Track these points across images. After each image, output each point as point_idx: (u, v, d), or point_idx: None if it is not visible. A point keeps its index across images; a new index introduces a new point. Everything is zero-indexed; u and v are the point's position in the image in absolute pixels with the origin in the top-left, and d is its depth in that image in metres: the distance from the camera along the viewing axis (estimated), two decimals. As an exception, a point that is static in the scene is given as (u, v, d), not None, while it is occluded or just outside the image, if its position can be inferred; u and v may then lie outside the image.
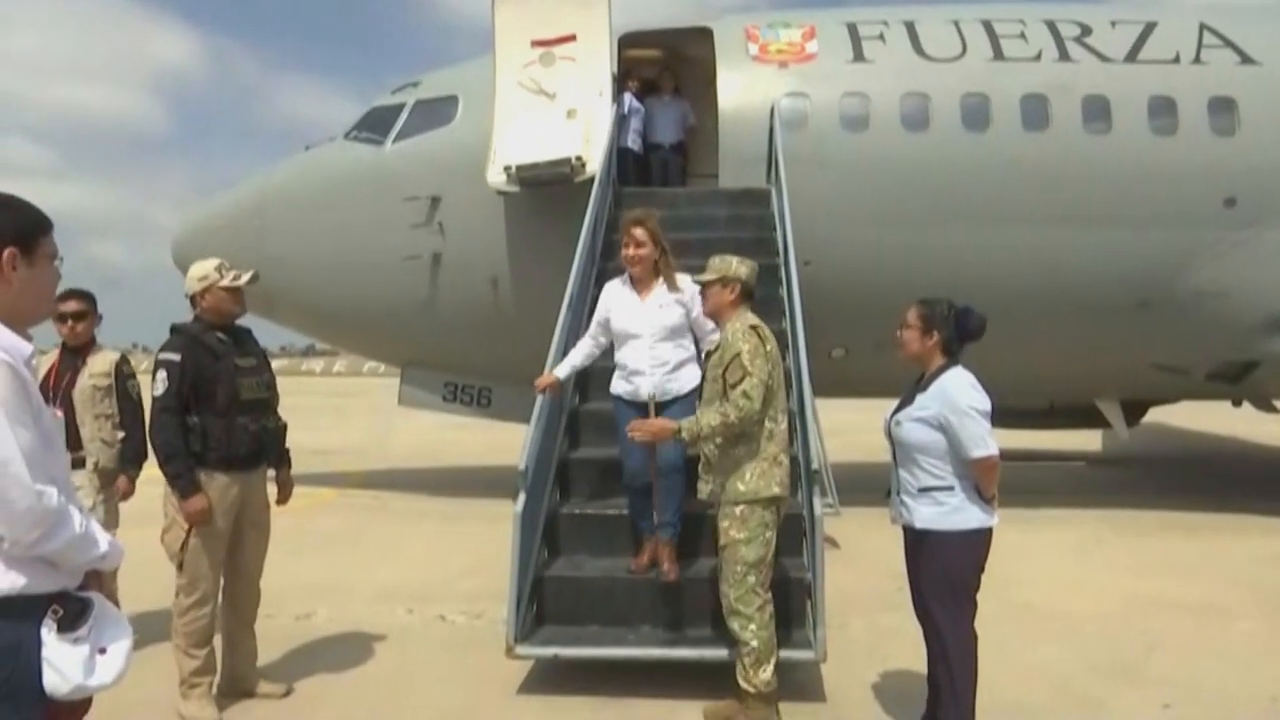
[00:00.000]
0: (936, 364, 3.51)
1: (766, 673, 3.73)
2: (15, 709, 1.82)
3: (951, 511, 3.37)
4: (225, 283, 4.07)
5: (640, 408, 4.41)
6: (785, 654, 3.93)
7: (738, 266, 4.00)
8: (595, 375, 5.97)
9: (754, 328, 3.85)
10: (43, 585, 1.87)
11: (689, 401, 4.28)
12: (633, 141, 9.40)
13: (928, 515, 3.41)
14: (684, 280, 4.49)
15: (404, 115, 9.57)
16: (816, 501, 4.22)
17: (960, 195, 8.73)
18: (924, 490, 3.42)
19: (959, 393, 3.38)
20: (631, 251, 4.51)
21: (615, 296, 4.63)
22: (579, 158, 8.17)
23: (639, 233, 4.49)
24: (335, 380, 50.00)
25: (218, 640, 4.13)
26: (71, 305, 4.68)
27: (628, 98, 9.31)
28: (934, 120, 8.81)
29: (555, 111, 8.58)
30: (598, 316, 4.69)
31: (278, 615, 5.34)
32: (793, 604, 4.30)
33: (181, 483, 3.87)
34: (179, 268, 9.79)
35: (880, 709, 4.10)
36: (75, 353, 4.72)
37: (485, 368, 9.59)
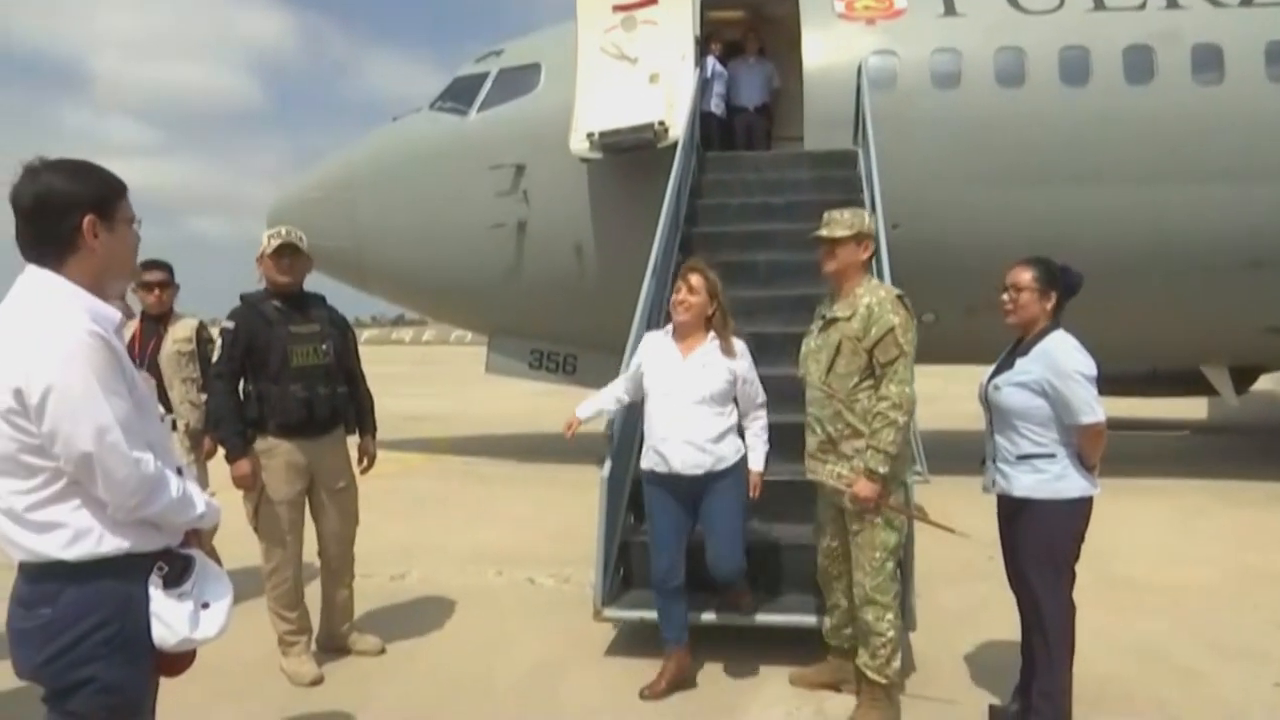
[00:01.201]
0: (1039, 326, 3.39)
1: (897, 662, 3.54)
2: (128, 660, 1.92)
3: (1052, 480, 3.25)
4: (265, 250, 4.08)
5: (673, 482, 3.82)
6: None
7: (870, 221, 3.62)
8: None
9: (900, 298, 3.49)
10: (148, 544, 1.95)
11: (736, 477, 3.82)
12: (716, 105, 9.27)
13: (1027, 483, 3.30)
14: (739, 346, 3.90)
15: (487, 84, 9.63)
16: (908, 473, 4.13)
17: (1058, 153, 8.38)
18: (1023, 457, 3.30)
19: (1064, 356, 3.24)
20: (681, 296, 3.87)
21: (653, 347, 4.01)
22: (661, 123, 8.10)
23: (694, 279, 3.88)
24: (424, 349, 51.11)
25: (316, 601, 4.28)
26: (156, 275, 4.86)
27: (711, 61, 9.17)
28: (1030, 75, 8.46)
29: (637, 76, 8.50)
30: (631, 368, 4.12)
31: (374, 575, 5.52)
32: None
33: (227, 447, 3.97)
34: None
35: (971, 678, 4.03)
36: (156, 320, 4.90)
37: (570, 335, 9.66)
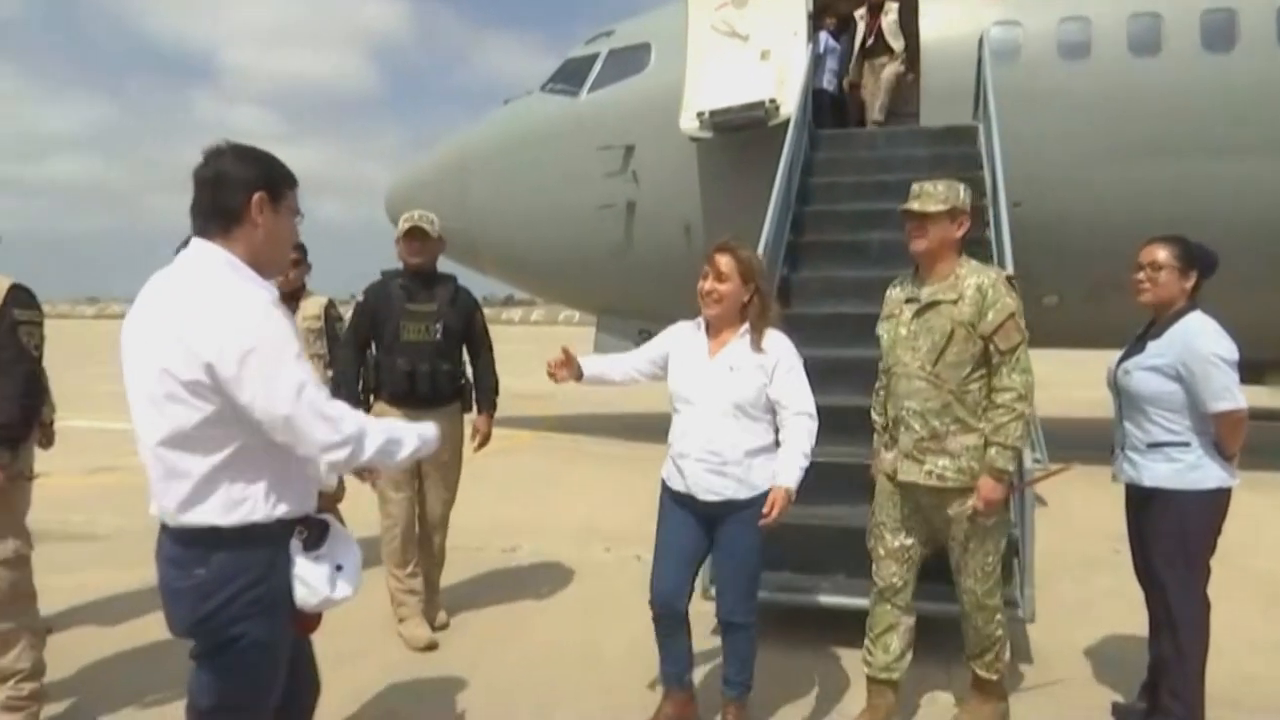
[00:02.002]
0: (1175, 308, 3.21)
1: (1006, 653, 3.35)
2: (273, 619, 2.02)
3: (1187, 469, 3.09)
4: (399, 232, 4.32)
5: (689, 501, 3.20)
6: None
7: (965, 195, 3.21)
8: (790, 321, 5.88)
9: (1010, 279, 3.19)
10: (298, 510, 2.05)
11: (755, 512, 3.04)
12: (828, 82, 9.10)
13: (1160, 473, 3.14)
14: (774, 339, 3.21)
15: (598, 65, 9.69)
16: (1026, 456, 3.98)
17: (1197, 125, 7.90)
18: (1155, 445, 3.15)
19: (1202, 339, 3.06)
20: (709, 285, 3.20)
21: (679, 340, 3.37)
22: (773, 100, 8.00)
23: (723, 261, 3.17)
24: (533, 328, 52.02)
25: None
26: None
27: (823, 36, 9.00)
28: (1167, 43, 7.99)
29: (748, 54, 8.42)
30: (655, 350, 3.45)
31: (486, 548, 5.67)
32: (998, 561, 4.11)
33: None
34: (392, 222, 10.44)
35: (1092, 673, 3.89)
36: (287, 298, 5.11)
37: (678, 314, 9.62)
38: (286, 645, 2.08)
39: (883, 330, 3.35)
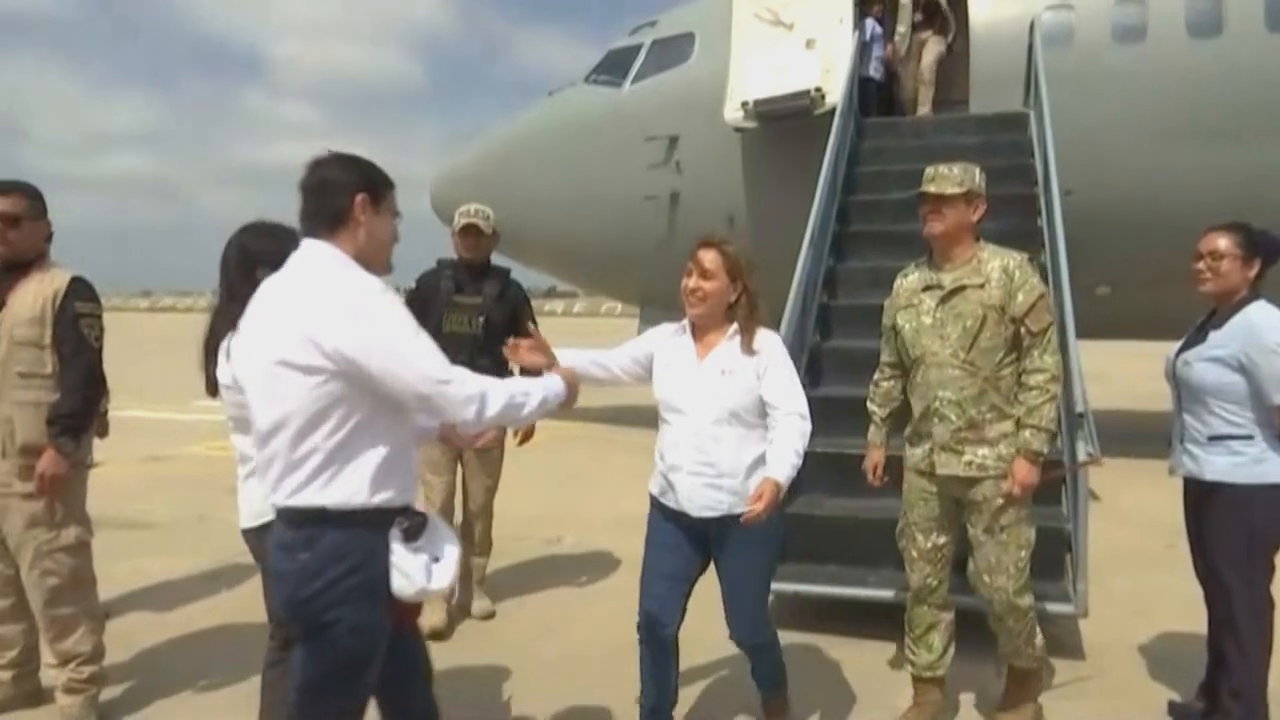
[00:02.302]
0: (1237, 297, 3.11)
1: (1040, 638, 3.27)
2: (372, 605, 2.07)
3: (1250, 463, 2.99)
4: (455, 227, 4.46)
5: (681, 518, 2.94)
6: (1042, 607, 3.70)
7: (981, 179, 3.15)
8: (836, 312, 5.85)
9: (1032, 260, 3.17)
10: (398, 500, 2.11)
11: (765, 523, 2.69)
12: (875, 70, 8.98)
13: (1221, 466, 3.05)
14: (765, 339, 2.91)
15: (641, 56, 9.68)
16: (1080, 449, 3.91)
17: (1259, 108, 7.68)
18: (1216, 438, 3.06)
19: (1267, 329, 2.97)
20: (693, 283, 2.92)
21: (663, 345, 3.06)
22: (819, 89, 7.92)
23: (708, 258, 2.89)
24: (575, 320, 52.21)
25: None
26: None
27: (870, 23, 8.88)
28: (1229, 22, 7.77)
29: (794, 42, 8.34)
30: (639, 348, 3.11)
31: (529, 538, 5.71)
32: (1049, 556, 4.03)
33: None
34: (436, 215, 10.54)
35: (1146, 671, 3.81)
36: None
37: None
38: (384, 632, 2.14)
39: (903, 320, 3.25)
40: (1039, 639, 3.30)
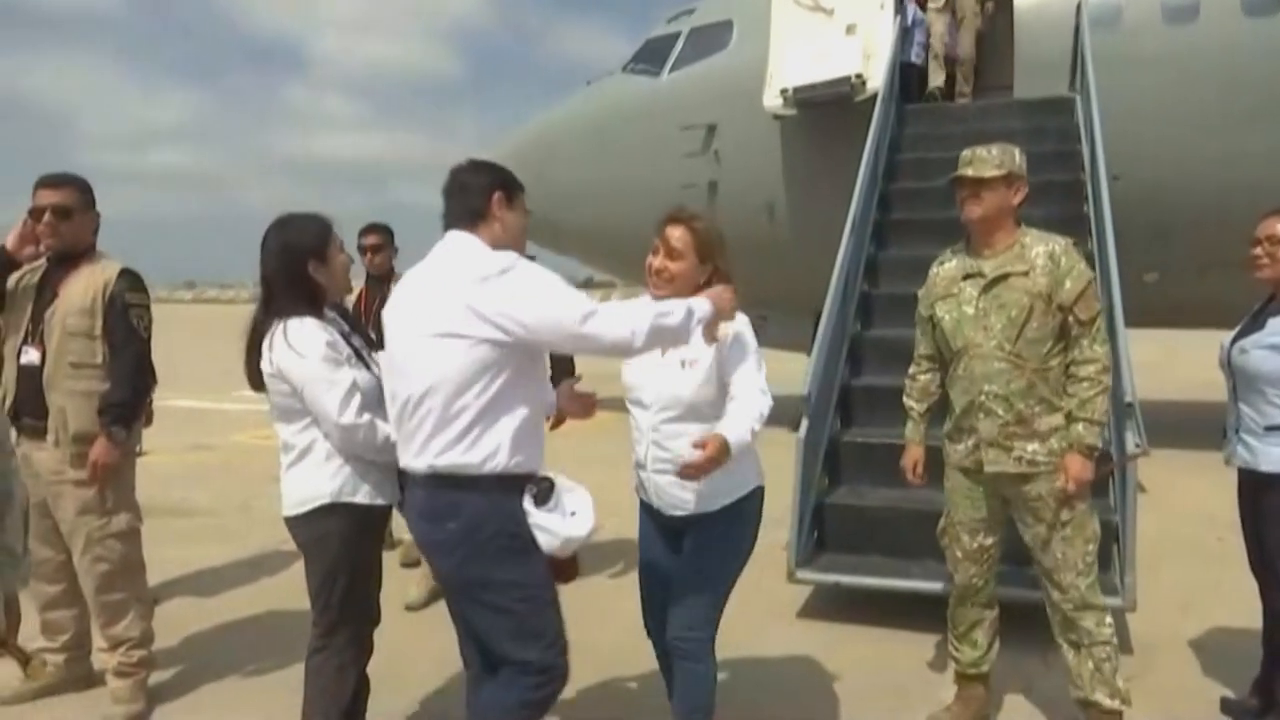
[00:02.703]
0: None
1: (1117, 660, 3.00)
2: (524, 560, 2.28)
3: (1309, 453, 2.91)
4: None
5: (658, 515, 2.76)
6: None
7: (1021, 160, 3.03)
8: (878, 301, 5.80)
9: (1075, 245, 3.03)
10: (530, 466, 2.31)
11: (732, 523, 2.62)
12: (917, 55, 8.84)
13: (1278, 456, 2.98)
14: (733, 325, 2.63)
15: (679, 44, 9.63)
16: (1128, 438, 3.84)
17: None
18: (1273, 428, 2.98)
19: None
20: (659, 262, 2.70)
21: None
22: (859, 75, 7.83)
23: (676, 235, 2.68)
24: (612, 311, 52.47)
25: None
26: (371, 239, 5.16)
27: (911, 8, 8.75)
28: (1288, 0, 7.54)
29: (833, 28, 8.25)
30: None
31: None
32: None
33: None
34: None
35: (1197, 667, 3.73)
36: (379, 281, 5.22)
37: (760, 296, 9.56)
38: (548, 585, 2.35)
39: (942, 311, 3.10)
40: (1117, 661, 3.00)
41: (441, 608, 4.40)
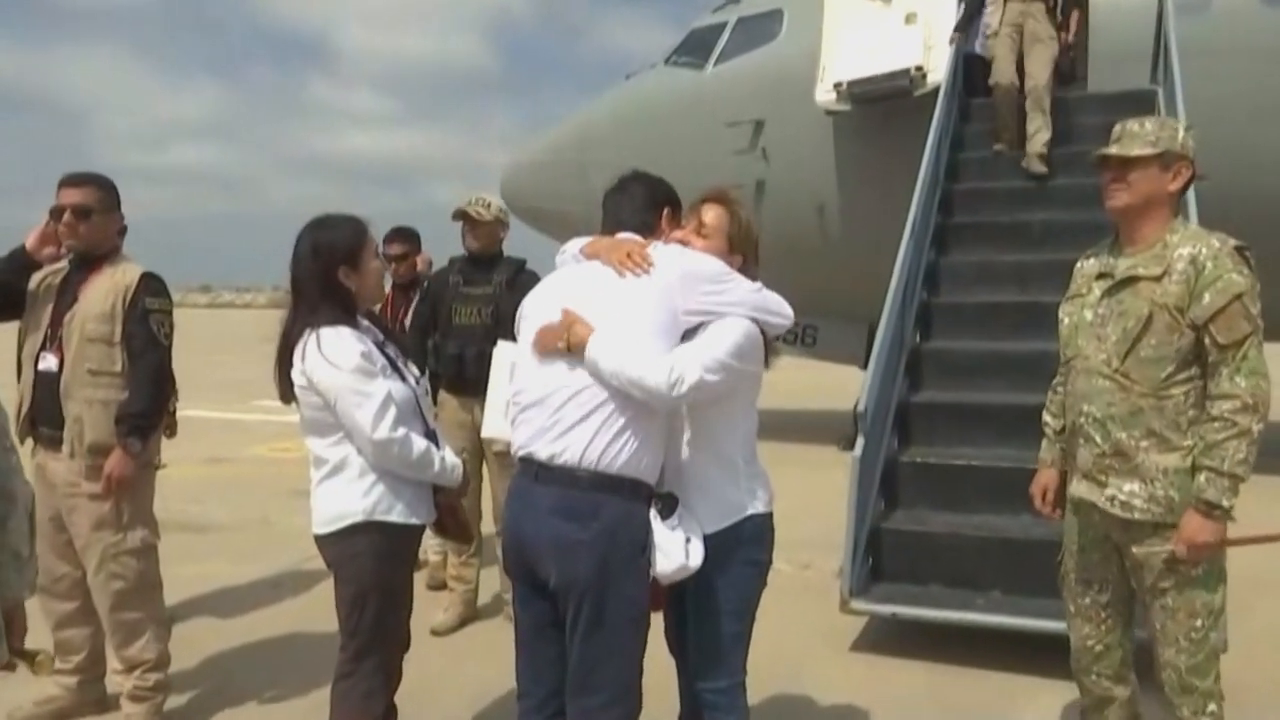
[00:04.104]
0: None
1: None
2: (643, 578, 2.33)
3: None
4: (455, 216, 4.55)
5: None
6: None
7: (1184, 136, 2.67)
8: (938, 310, 5.76)
9: (1241, 249, 2.60)
10: (654, 478, 2.38)
11: (733, 548, 2.47)
12: (982, 46, 8.78)
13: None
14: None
15: (725, 35, 9.65)
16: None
17: None
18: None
19: None
20: (683, 234, 2.63)
21: None
22: (919, 68, 7.79)
23: (712, 214, 2.62)
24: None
25: None
26: (395, 247, 5.26)
27: (976, -7, 8.69)
28: None
29: (891, 17, 8.21)
30: None
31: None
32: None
33: None
34: (507, 205, 10.68)
35: (1295, 713, 3.66)
36: (405, 288, 5.31)
37: (810, 303, 9.51)
38: (648, 615, 2.40)
39: (1064, 313, 2.86)
40: None
41: (470, 633, 4.49)
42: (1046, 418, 3.05)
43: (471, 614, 4.65)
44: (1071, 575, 2.87)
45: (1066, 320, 2.83)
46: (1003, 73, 7.19)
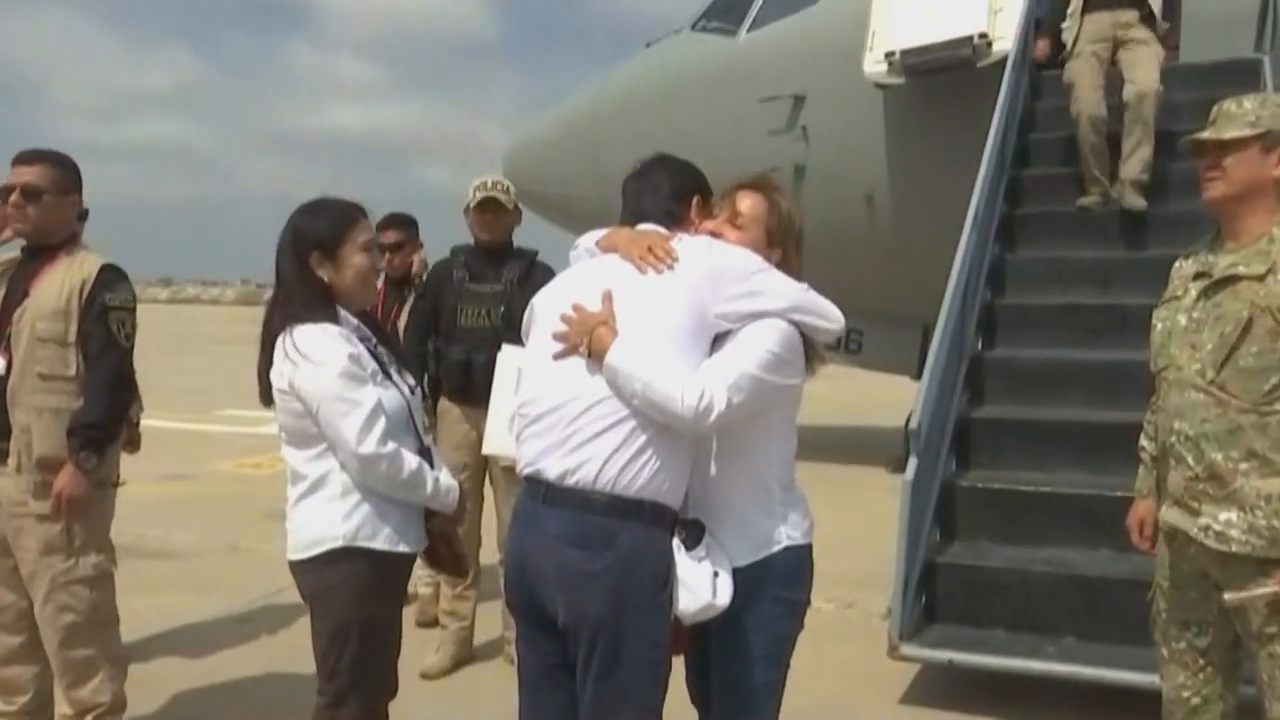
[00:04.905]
0: None
1: None
2: (666, 617, 2.31)
3: None
4: (470, 203, 4.54)
5: None
6: None
7: None
8: (1004, 313, 5.76)
9: None
10: (677, 502, 2.37)
11: (766, 583, 2.44)
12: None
13: None
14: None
15: (761, -4, 9.68)
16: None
17: None
18: None
19: None
20: (714, 225, 2.61)
21: None
22: (983, 35, 7.75)
23: (748, 202, 2.60)
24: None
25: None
26: (390, 235, 5.06)
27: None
28: None
29: (953, -22, 8.22)
30: None
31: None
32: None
33: None
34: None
35: None
36: (399, 285, 5.22)
37: (856, 305, 9.48)
38: (670, 658, 2.38)
39: (1158, 318, 2.83)
40: None
41: (466, 676, 4.50)
42: (1143, 441, 3.02)
43: (467, 654, 4.66)
44: (1164, 615, 2.83)
45: (1159, 326, 2.81)
46: (1086, 103, 6.30)
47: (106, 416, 3.33)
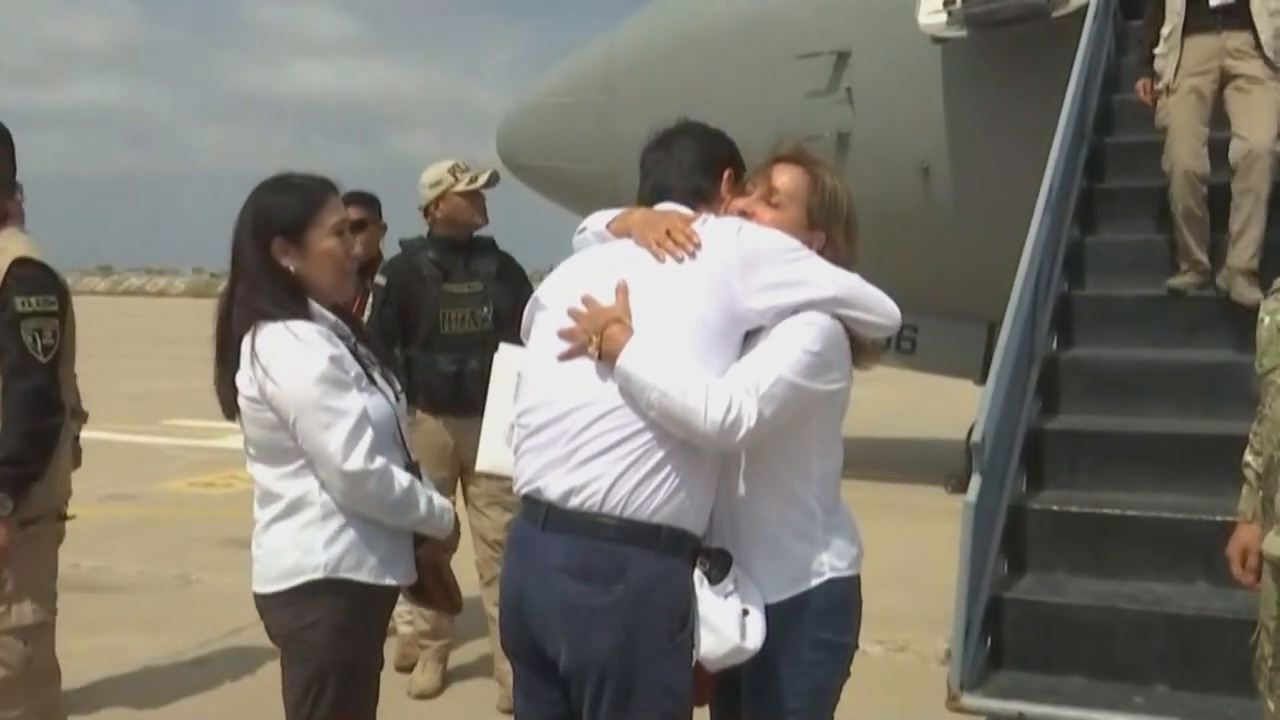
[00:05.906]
0: None
1: None
2: (686, 660, 2.31)
3: None
4: (461, 186, 4.55)
5: None
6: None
7: None
8: (1083, 306, 5.75)
9: None
10: (699, 529, 2.37)
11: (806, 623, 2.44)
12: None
13: None
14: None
15: (798, -65, 9.69)
16: None
17: None
18: None
19: None
20: (744, 204, 2.61)
21: None
22: (1060, -19, 7.78)
23: (785, 177, 2.59)
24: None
25: None
26: (352, 213, 5.07)
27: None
28: None
29: (1021, -88, 8.23)
30: None
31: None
32: None
33: None
34: (505, 164, 10.76)
35: None
36: (360, 272, 5.21)
37: (909, 295, 9.48)
38: (690, 708, 2.38)
39: (1265, 311, 2.91)
40: None
41: (455, 695, 4.51)
42: (1248, 457, 3.04)
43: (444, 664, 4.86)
44: (1270, 660, 2.86)
45: (1267, 320, 2.84)
46: (1184, 153, 5.64)
47: (23, 451, 3.14)
